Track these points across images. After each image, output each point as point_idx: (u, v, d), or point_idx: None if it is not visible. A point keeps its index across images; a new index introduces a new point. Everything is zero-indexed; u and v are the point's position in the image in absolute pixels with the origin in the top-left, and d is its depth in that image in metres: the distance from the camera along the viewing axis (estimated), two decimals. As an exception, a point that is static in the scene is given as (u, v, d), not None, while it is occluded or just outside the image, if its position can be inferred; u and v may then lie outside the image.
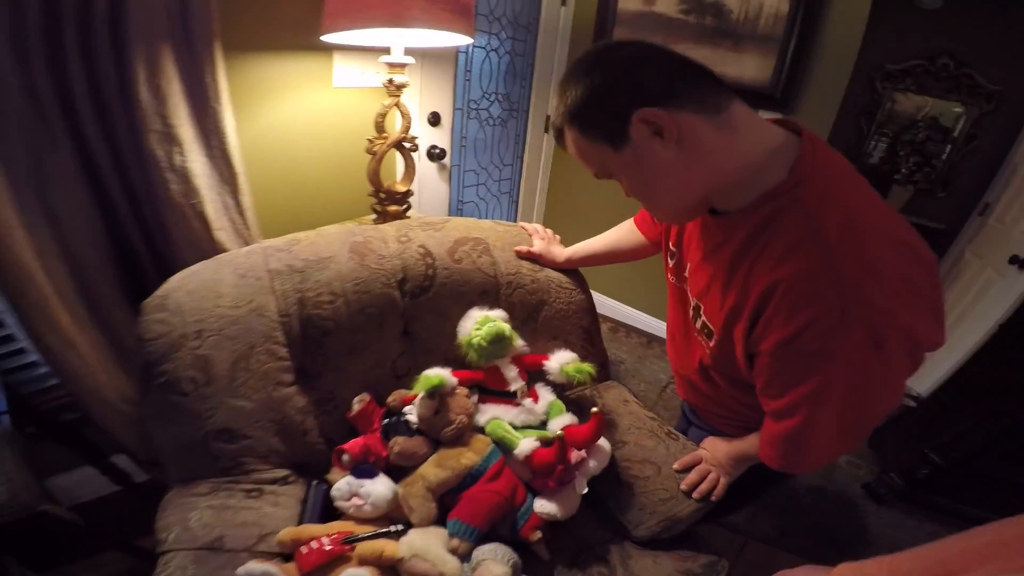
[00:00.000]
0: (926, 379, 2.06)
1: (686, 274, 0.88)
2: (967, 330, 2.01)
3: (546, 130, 2.38)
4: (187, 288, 0.95)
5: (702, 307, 0.82)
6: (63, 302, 1.03)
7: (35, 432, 1.13)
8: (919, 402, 1.99)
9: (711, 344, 0.81)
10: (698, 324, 0.85)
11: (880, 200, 0.68)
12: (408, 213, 1.50)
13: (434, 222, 1.21)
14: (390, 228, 1.17)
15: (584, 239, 1.24)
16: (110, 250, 1.11)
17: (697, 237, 0.82)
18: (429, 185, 1.89)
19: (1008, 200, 2.26)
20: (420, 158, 1.72)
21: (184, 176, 1.08)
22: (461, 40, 1.30)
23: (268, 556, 0.81)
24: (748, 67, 2.12)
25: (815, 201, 0.63)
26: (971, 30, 2.57)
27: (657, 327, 2.63)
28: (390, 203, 1.44)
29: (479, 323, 1.06)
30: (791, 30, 1.97)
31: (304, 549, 0.77)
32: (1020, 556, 0.44)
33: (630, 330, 2.67)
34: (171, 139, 1.05)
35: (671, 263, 0.93)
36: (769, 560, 1.48)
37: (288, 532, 0.81)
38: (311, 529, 0.82)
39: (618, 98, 0.66)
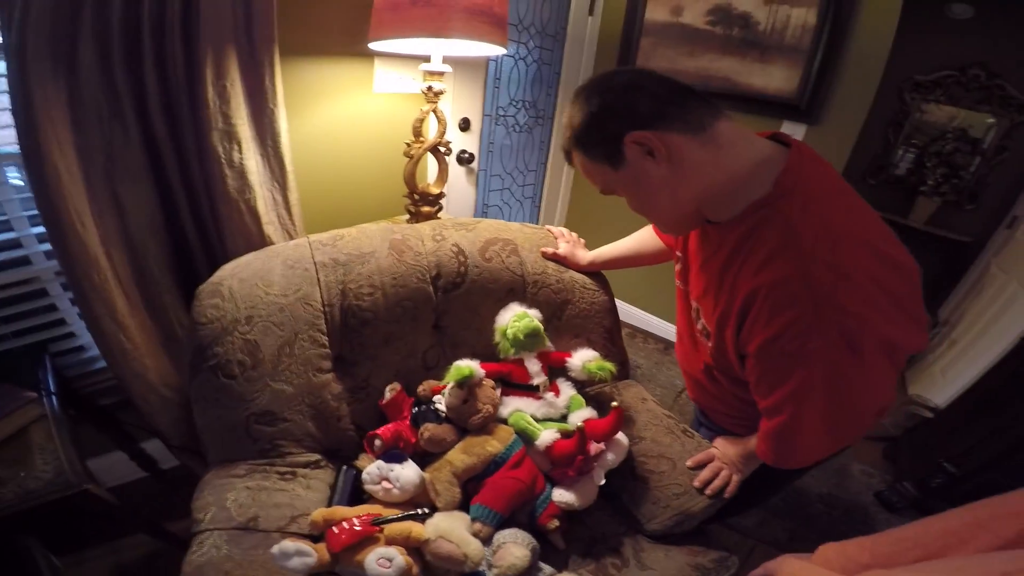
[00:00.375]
0: (945, 390, 2.05)
1: (690, 278, 0.93)
2: (989, 343, 2.00)
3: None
4: (240, 276, 1.02)
5: (701, 310, 0.88)
6: (121, 287, 1.12)
7: (75, 415, 1.19)
8: (937, 413, 1.98)
9: (710, 345, 0.87)
10: (699, 326, 0.91)
11: (865, 211, 0.73)
12: (439, 214, 1.57)
13: (466, 223, 1.28)
14: (426, 227, 1.23)
15: (604, 243, 1.29)
16: (167, 240, 1.19)
17: (697, 244, 0.88)
18: (457, 188, 1.95)
19: (1037, 215, 2.23)
20: (450, 162, 1.78)
21: (241, 172, 1.16)
22: (495, 50, 1.36)
23: (299, 536, 0.85)
24: (774, 78, 2.12)
25: (796, 212, 0.68)
26: (1003, 40, 2.55)
27: (673, 333, 2.62)
28: (423, 204, 1.51)
29: (518, 317, 1.12)
30: (818, 41, 1.97)
31: (335, 529, 0.81)
32: (996, 537, 0.47)
33: (647, 336, 2.69)
34: (232, 137, 1.12)
35: (678, 268, 0.99)
36: (778, 563, 1.50)
37: (320, 513, 0.85)
38: (342, 511, 0.86)
39: (613, 122, 0.73)
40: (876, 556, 0.61)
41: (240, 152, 1.16)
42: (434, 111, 1.41)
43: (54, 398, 1.07)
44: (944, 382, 2.10)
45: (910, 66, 2.73)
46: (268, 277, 1.04)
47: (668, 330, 2.68)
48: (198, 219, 1.21)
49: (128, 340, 1.14)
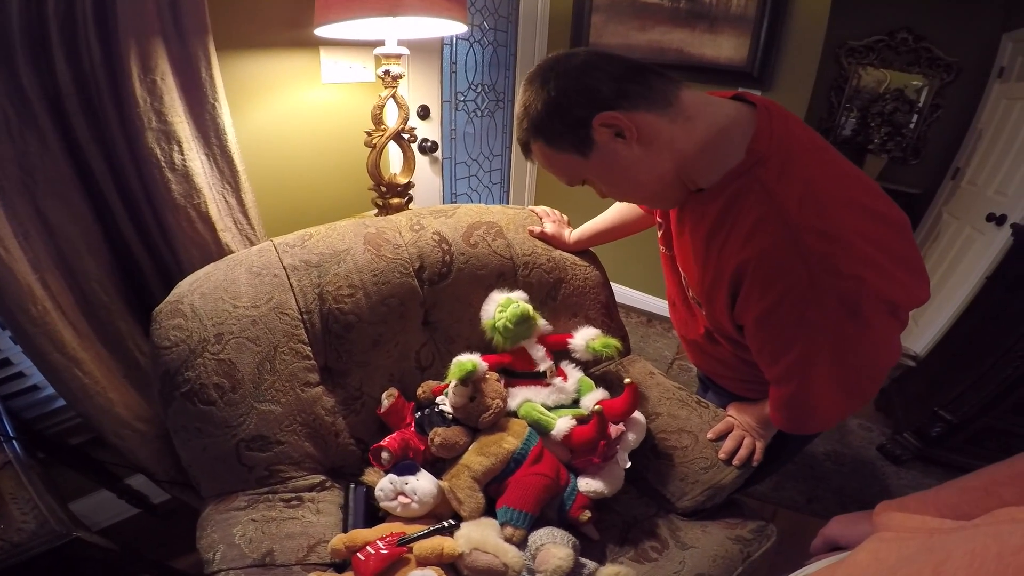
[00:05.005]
0: (921, 338, 2.12)
1: (674, 244, 0.90)
2: (954, 286, 2.08)
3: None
4: (201, 291, 0.90)
5: (687, 279, 0.86)
6: (65, 317, 0.97)
7: (46, 458, 1.05)
8: (918, 361, 2.04)
9: (703, 313, 0.85)
10: (690, 294, 0.88)
11: (844, 165, 0.70)
12: (409, 206, 1.47)
13: (444, 209, 1.19)
14: (401, 218, 1.14)
15: (575, 224, 1.26)
16: (110, 259, 1.05)
17: (678, 211, 0.84)
18: (423, 178, 1.86)
19: (977, 164, 2.35)
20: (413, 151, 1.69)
21: (185, 175, 1.03)
22: (454, 28, 1.28)
23: (321, 567, 0.78)
24: (724, 48, 2.14)
25: (773, 178, 0.65)
26: (925, 4, 2.68)
27: (655, 305, 2.65)
28: (392, 196, 1.41)
29: (502, 305, 1.04)
30: (763, 10, 2.00)
31: (361, 556, 0.74)
32: None
33: (629, 310, 2.68)
34: (169, 137, 1.00)
35: (661, 233, 0.96)
36: (799, 527, 1.50)
37: (340, 539, 0.77)
38: (362, 534, 0.79)
39: (576, 107, 0.68)
40: (942, 508, 0.56)
41: (182, 153, 1.04)
42: (394, 96, 1.31)
43: (15, 443, 0.95)
44: (919, 330, 2.17)
45: (845, 32, 2.83)
46: (234, 288, 0.92)
47: (648, 302, 2.68)
48: (142, 231, 1.07)
49: (85, 375, 1.01)
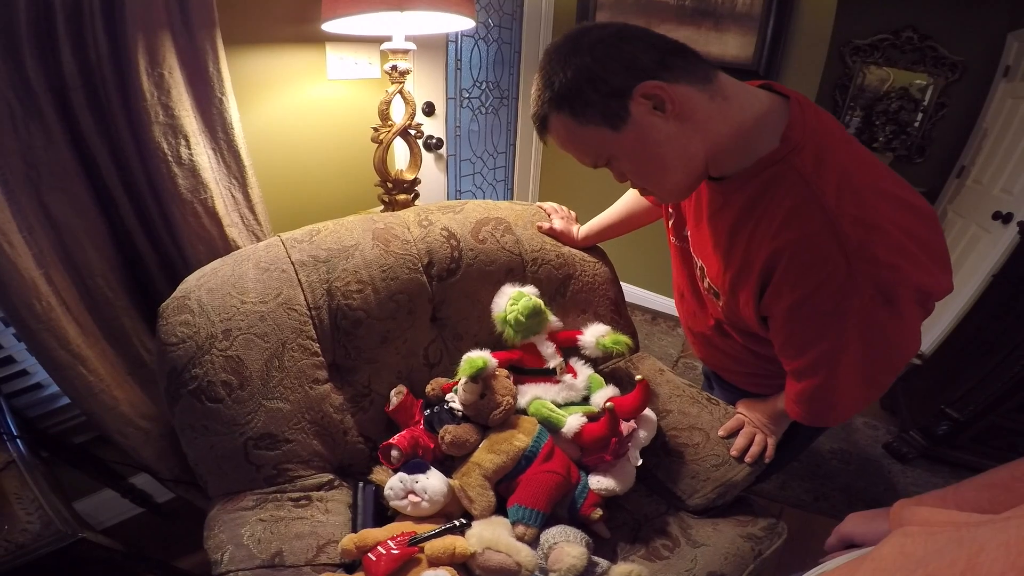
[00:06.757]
0: (927, 336, 2.11)
1: (686, 233, 0.88)
2: (961, 285, 2.07)
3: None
4: (208, 286, 0.89)
5: (706, 269, 0.83)
6: (69, 313, 0.96)
7: (49, 457, 1.04)
8: (925, 359, 2.03)
9: (720, 304, 0.83)
10: (705, 284, 0.86)
11: (873, 158, 0.69)
12: (416, 202, 1.46)
13: (452, 205, 1.18)
14: (410, 213, 1.13)
15: (581, 220, 1.24)
16: (114, 254, 1.04)
17: (695, 199, 0.82)
18: (427, 175, 1.85)
19: (983, 162, 2.34)
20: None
21: (192, 170, 1.02)
22: (462, 23, 1.27)
23: (331, 567, 0.77)
24: (730, 45, 2.14)
25: (810, 166, 0.64)
26: (932, 3, 2.66)
27: (659, 303, 2.64)
28: (398, 192, 1.40)
29: (514, 299, 1.03)
30: (768, 7, 1.99)
31: (372, 556, 0.73)
32: None
33: (633, 308, 2.66)
34: (176, 131, 0.99)
35: (671, 224, 0.94)
36: (806, 525, 1.49)
37: (350, 539, 0.76)
38: (373, 534, 0.77)
39: (614, 76, 0.64)
40: (963, 505, 0.56)
41: (188, 147, 1.03)
42: (401, 92, 1.30)
43: (19, 442, 0.94)
44: (925, 327, 2.16)
45: (851, 30, 2.82)
46: (241, 284, 0.91)
47: (652, 300, 2.68)
48: (147, 226, 1.06)
49: (90, 372, 0.99)
